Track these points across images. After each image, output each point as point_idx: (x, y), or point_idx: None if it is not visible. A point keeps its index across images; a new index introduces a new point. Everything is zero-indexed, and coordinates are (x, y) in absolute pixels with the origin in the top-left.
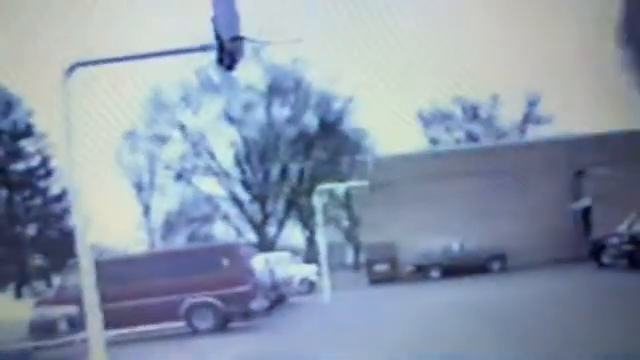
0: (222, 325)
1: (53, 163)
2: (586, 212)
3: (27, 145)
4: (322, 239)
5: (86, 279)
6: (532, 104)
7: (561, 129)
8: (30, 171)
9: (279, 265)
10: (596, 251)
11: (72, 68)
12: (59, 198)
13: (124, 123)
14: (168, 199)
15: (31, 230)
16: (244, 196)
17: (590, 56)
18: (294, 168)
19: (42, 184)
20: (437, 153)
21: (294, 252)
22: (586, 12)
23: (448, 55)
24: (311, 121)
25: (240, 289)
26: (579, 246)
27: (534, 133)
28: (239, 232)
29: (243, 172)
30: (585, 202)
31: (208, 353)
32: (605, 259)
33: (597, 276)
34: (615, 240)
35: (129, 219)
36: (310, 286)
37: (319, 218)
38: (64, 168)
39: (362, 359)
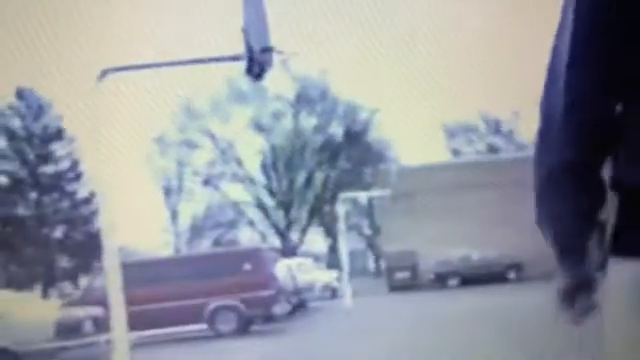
0: (244, 328)
1: (82, 166)
2: (601, 224)
3: (57, 148)
4: (344, 246)
5: (112, 281)
6: None
7: None
8: (59, 174)
9: (301, 270)
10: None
11: (103, 74)
12: (87, 201)
13: (154, 129)
14: (195, 204)
15: (59, 232)
16: (269, 202)
17: None
18: (319, 176)
19: (71, 187)
20: (459, 164)
21: (316, 258)
22: None
23: (472, 71)
24: (337, 130)
25: (263, 293)
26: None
27: None
28: (263, 237)
29: (269, 179)
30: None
31: (230, 356)
32: None
33: None
34: None
35: (156, 223)
36: (331, 292)
37: (341, 225)
38: (93, 172)
39: None
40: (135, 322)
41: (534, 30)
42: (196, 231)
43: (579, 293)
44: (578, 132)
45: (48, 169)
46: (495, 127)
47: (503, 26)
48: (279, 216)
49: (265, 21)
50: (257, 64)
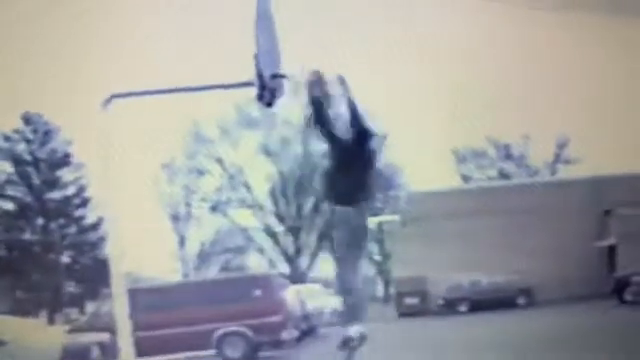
0: (252, 354)
1: (89, 192)
2: (611, 250)
3: (64, 174)
4: None
5: (119, 307)
6: (562, 145)
7: (589, 170)
8: (66, 200)
9: (310, 296)
10: (619, 288)
11: (110, 99)
12: (94, 227)
13: (162, 155)
14: (203, 230)
15: (66, 258)
16: (278, 228)
17: (618, 101)
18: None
19: (78, 213)
20: (469, 190)
21: (326, 284)
22: (615, 62)
23: (483, 96)
24: None
25: (271, 319)
26: (603, 283)
27: (564, 173)
28: (272, 263)
29: (277, 205)
30: (610, 241)
31: None
32: (628, 296)
33: (619, 312)
34: (638, 278)
35: (164, 248)
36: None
37: None
38: (101, 197)
39: None
40: (143, 348)
41: (544, 54)
42: (204, 257)
43: None
44: None
45: (55, 195)
46: (505, 152)
47: (513, 52)
48: (288, 242)
49: (277, 47)
50: (268, 91)
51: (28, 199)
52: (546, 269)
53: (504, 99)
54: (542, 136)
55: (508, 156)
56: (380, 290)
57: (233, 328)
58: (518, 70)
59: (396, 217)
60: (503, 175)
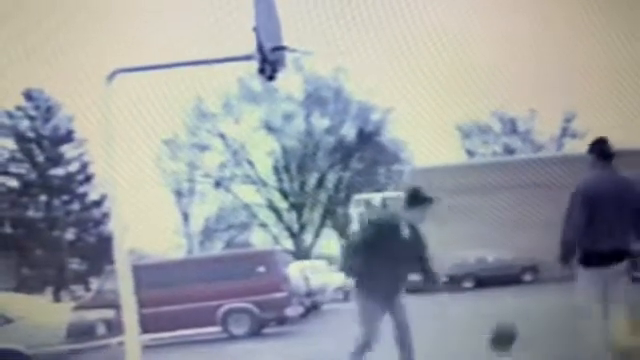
0: (257, 331)
1: (92, 169)
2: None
3: (67, 151)
4: None
5: (123, 283)
6: (568, 119)
7: None
8: (70, 176)
9: (314, 273)
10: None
11: (113, 75)
12: (98, 203)
13: (165, 130)
14: (207, 206)
15: (70, 235)
16: (282, 204)
17: (625, 75)
18: (331, 177)
19: (81, 189)
20: (474, 165)
21: (330, 260)
22: (621, 35)
23: (488, 70)
24: (349, 131)
25: (276, 296)
26: None
27: (570, 147)
28: (276, 240)
29: (281, 181)
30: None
31: (243, 358)
32: (635, 272)
33: (628, 289)
34: None
35: (168, 225)
36: (344, 294)
37: (355, 227)
38: (104, 174)
39: None
40: (148, 325)
41: (551, 28)
42: (208, 233)
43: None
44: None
45: (58, 171)
46: (511, 127)
47: (519, 24)
48: (292, 218)
49: (277, 20)
50: (269, 64)
51: (31, 176)
52: (552, 246)
53: (510, 73)
54: (549, 110)
55: (513, 131)
56: None
57: (238, 304)
58: (524, 44)
59: (400, 193)
60: (508, 150)
